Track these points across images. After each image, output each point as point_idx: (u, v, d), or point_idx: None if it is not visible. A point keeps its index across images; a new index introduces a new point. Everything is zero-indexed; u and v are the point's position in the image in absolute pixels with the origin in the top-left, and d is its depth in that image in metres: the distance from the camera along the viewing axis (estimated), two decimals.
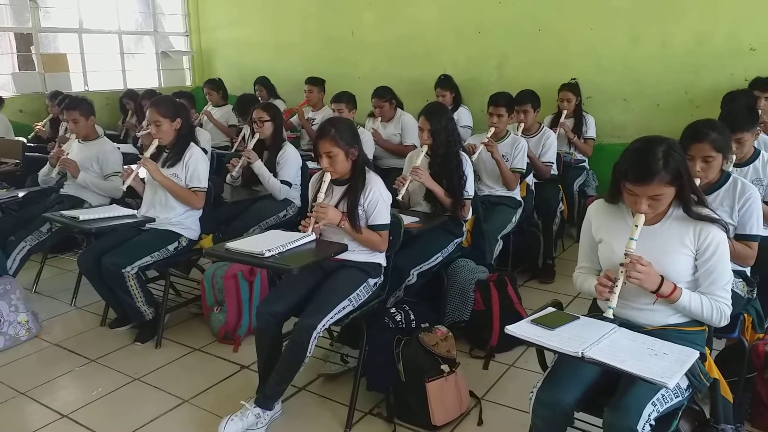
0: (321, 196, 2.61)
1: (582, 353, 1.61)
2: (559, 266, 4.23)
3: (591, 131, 4.99)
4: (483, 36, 5.72)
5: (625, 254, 1.84)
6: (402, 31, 6.18)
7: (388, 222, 2.65)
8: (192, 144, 3.35)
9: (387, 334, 2.60)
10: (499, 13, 5.57)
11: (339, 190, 2.68)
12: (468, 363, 2.99)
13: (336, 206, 2.62)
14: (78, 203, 3.81)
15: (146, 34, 7.51)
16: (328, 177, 2.62)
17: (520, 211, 3.86)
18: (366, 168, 2.69)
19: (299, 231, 2.63)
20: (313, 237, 2.56)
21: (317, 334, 2.39)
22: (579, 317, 1.89)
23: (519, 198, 3.90)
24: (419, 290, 3.13)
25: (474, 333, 3.13)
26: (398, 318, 2.67)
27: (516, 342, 3.06)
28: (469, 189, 3.22)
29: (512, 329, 1.76)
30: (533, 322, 1.83)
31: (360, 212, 2.60)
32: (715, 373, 1.89)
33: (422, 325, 2.70)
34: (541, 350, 2.06)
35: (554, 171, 4.37)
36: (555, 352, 1.73)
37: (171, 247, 3.25)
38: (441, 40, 5.97)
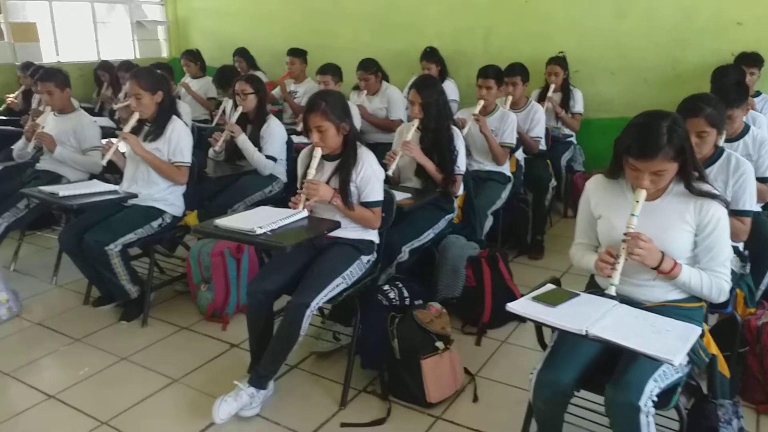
0: (311, 172, 2.54)
1: (586, 331, 1.60)
2: (547, 242, 4.23)
3: (579, 106, 4.95)
4: (469, 7, 5.62)
5: (626, 231, 1.83)
6: (386, 1, 6.04)
7: (381, 198, 2.60)
8: (174, 117, 3.24)
9: (380, 311, 2.58)
10: None
11: (330, 166, 2.61)
12: (460, 339, 2.98)
13: (327, 182, 2.56)
14: (55, 178, 3.69)
15: (119, 2, 7.24)
16: (318, 152, 2.54)
17: (509, 186, 3.83)
18: (357, 143, 2.62)
19: (289, 207, 2.56)
20: (305, 213, 2.50)
21: (311, 312, 2.36)
22: (579, 294, 1.88)
23: (508, 173, 3.87)
24: (410, 267, 3.10)
25: (466, 309, 3.12)
26: (392, 295, 2.65)
27: (508, 318, 3.13)
28: (461, 164, 3.18)
29: (514, 307, 1.74)
30: (534, 299, 1.81)
31: (352, 188, 2.54)
32: (714, 349, 1.89)
33: (415, 302, 2.68)
34: (539, 327, 2.04)
35: (542, 146, 4.34)
36: (557, 329, 1.71)
37: (155, 224, 3.16)
38: (426, 11, 5.85)
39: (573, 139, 4.99)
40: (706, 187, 1.86)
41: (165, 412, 2.48)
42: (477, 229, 3.47)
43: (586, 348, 1.83)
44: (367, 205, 2.57)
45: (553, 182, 4.27)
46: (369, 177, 2.54)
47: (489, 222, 3.66)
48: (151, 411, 2.49)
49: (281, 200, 3.86)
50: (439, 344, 2.49)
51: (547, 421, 1.95)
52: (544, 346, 2.05)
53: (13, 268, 3.88)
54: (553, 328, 1.72)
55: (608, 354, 1.84)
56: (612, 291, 1.85)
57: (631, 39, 4.98)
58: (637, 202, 1.83)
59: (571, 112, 4.92)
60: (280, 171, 3.88)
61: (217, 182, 3.71)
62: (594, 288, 2.07)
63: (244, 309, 3.22)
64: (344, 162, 2.56)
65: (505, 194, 3.80)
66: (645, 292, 1.94)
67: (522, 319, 3.08)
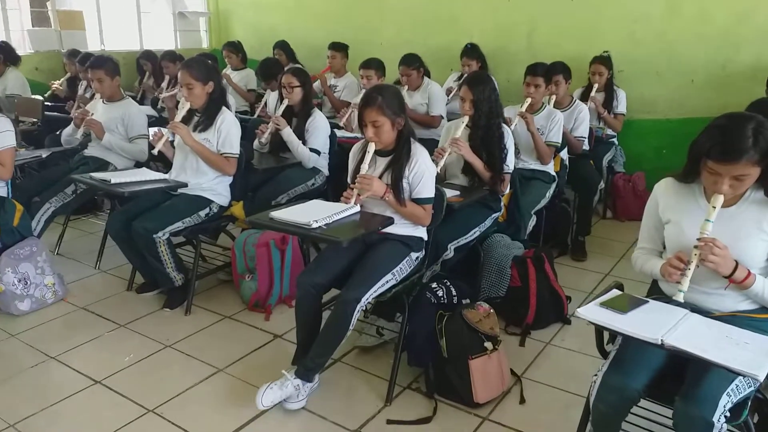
0: (365, 167, 2.51)
1: (661, 340, 1.55)
2: (587, 243, 4.14)
3: (622, 106, 4.85)
4: (512, 3, 5.54)
5: (700, 237, 1.77)
6: None
7: (433, 195, 2.56)
8: (224, 108, 3.25)
9: (429, 309, 2.54)
10: None
11: (382, 161, 2.58)
12: (503, 340, 2.90)
13: (379, 178, 2.53)
14: (103, 165, 3.73)
15: None
16: (372, 147, 2.51)
17: (554, 186, 3.77)
18: (411, 139, 2.59)
19: (341, 202, 2.54)
20: (357, 208, 2.47)
21: (361, 308, 2.34)
22: (648, 301, 1.83)
23: (553, 173, 3.81)
24: (453, 265, 3.06)
25: (509, 309, 3.07)
26: (440, 293, 2.60)
27: (552, 319, 3.09)
28: (510, 163, 3.13)
29: (584, 313, 1.69)
30: (602, 305, 1.76)
31: (404, 185, 2.51)
32: None
33: (463, 301, 2.64)
34: (599, 333, 1.99)
35: (586, 146, 4.27)
36: (631, 337, 1.65)
37: (202, 213, 3.18)
38: (468, 7, 5.77)
39: (615, 140, 4.90)
40: None
41: (210, 402, 2.48)
42: (522, 229, 3.42)
43: (655, 355, 1.77)
44: (419, 201, 2.54)
45: (602, 184, 4.18)
46: (422, 173, 2.51)
47: (532, 222, 3.60)
48: (197, 400, 2.49)
49: (323, 193, 3.87)
50: (488, 344, 2.45)
51: (605, 427, 1.91)
52: (603, 352, 2.00)
53: (58, 252, 3.94)
54: (626, 336, 1.66)
55: (676, 362, 1.77)
56: (680, 298, 1.78)
57: (680, 39, 4.85)
58: (714, 207, 1.76)
59: (614, 113, 4.82)
60: (322, 164, 3.87)
61: (262, 174, 3.71)
62: (658, 294, 2.01)
63: (287, 300, 3.25)
64: (397, 157, 2.53)
65: (549, 194, 3.74)
66: (715, 301, 1.88)
67: (566, 321, 3.11)
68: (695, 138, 1.81)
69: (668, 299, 1.87)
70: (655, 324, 1.62)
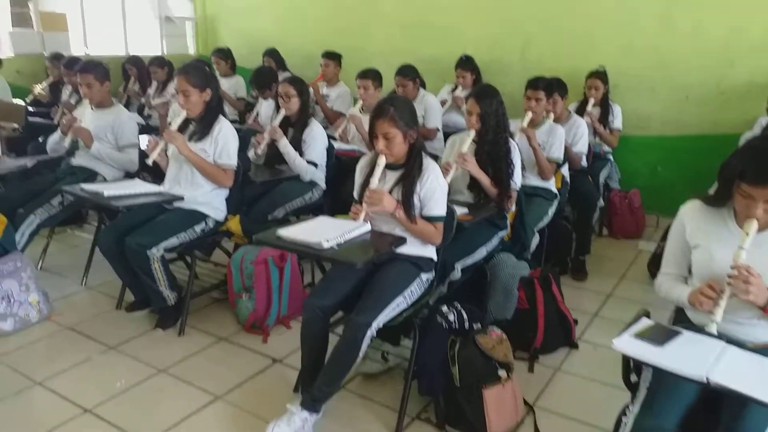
0: (374, 181, 2.40)
1: (707, 378, 1.47)
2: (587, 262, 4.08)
3: (617, 121, 4.82)
4: (507, 15, 5.50)
5: (734, 266, 1.70)
6: (420, 4, 5.91)
7: (445, 213, 2.46)
8: (221, 117, 3.12)
9: (441, 334, 2.43)
10: None
11: (392, 176, 2.47)
12: None
13: (389, 192, 2.43)
14: (91, 176, 3.56)
15: None
16: (383, 161, 2.41)
17: (556, 203, 3.70)
18: (422, 153, 2.49)
19: (349, 217, 2.43)
20: (368, 227, 2.36)
21: (372, 333, 2.22)
22: (681, 331, 1.75)
23: (554, 189, 3.74)
24: (459, 286, 2.96)
25: (516, 333, 2.94)
26: (451, 317, 2.49)
27: (559, 344, 3.00)
28: (517, 179, 3.06)
29: (621, 346, 1.60)
30: (636, 336, 1.67)
31: (415, 201, 2.41)
32: None
33: (474, 326, 2.53)
34: (627, 362, 1.90)
35: (584, 162, 4.22)
36: (663, 372, 1.57)
37: (198, 228, 3.04)
38: (462, 17, 5.71)
39: (610, 156, 4.87)
40: None
41: None
42: (527, 248, 3.34)
43: (687, 391, 1.69)
44: (430, 219, 2.44)
45: (601, 202, 4.13)
46: (434, 189, 2.41)
47: (536, 240, 3.53)
48: (195, 430, 2.35)
49: (320, 207, 3.75)
50: (502, 373, 2.35)
51: None
52: (629, 384, 1.92)
53: (41, 267, 3.75)
54: (658, 370, 1.58)
55: (707, 396, 1.70)
56: (713, 329, 1.71)
57: (674, 55, 4.84)
58: (747, 234, 1.70)
59: (610, 128, 4.80)
60: (319, 177, 3.75)
61: (258, 187, 3.58)
62: (685, 323, 1.93)
63: (285, 321, 3.12)
64: (408, 172, 2.43)
65: (551, 211, 3.66)
66: (747, 331, 1.81)
67: (574, 345, 3.03)
68: (726, 160, 1.76)
69: (698, 329, 1.80)
70: (694, 358, 1.55)
